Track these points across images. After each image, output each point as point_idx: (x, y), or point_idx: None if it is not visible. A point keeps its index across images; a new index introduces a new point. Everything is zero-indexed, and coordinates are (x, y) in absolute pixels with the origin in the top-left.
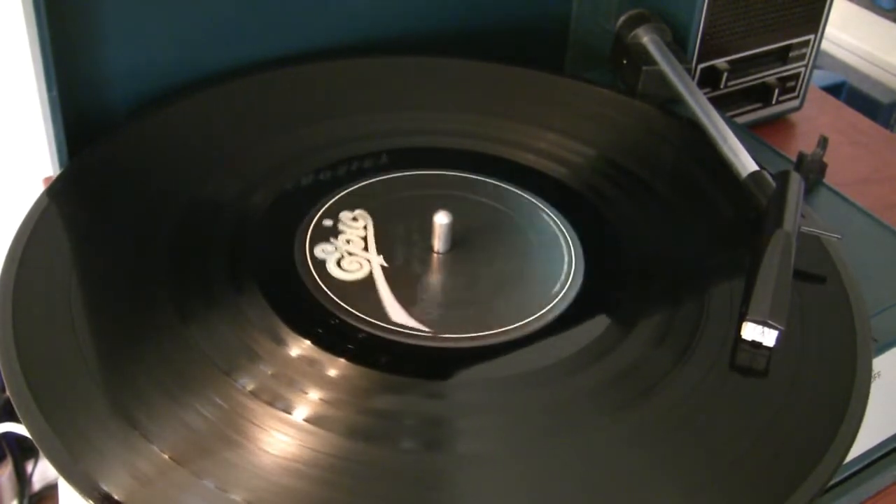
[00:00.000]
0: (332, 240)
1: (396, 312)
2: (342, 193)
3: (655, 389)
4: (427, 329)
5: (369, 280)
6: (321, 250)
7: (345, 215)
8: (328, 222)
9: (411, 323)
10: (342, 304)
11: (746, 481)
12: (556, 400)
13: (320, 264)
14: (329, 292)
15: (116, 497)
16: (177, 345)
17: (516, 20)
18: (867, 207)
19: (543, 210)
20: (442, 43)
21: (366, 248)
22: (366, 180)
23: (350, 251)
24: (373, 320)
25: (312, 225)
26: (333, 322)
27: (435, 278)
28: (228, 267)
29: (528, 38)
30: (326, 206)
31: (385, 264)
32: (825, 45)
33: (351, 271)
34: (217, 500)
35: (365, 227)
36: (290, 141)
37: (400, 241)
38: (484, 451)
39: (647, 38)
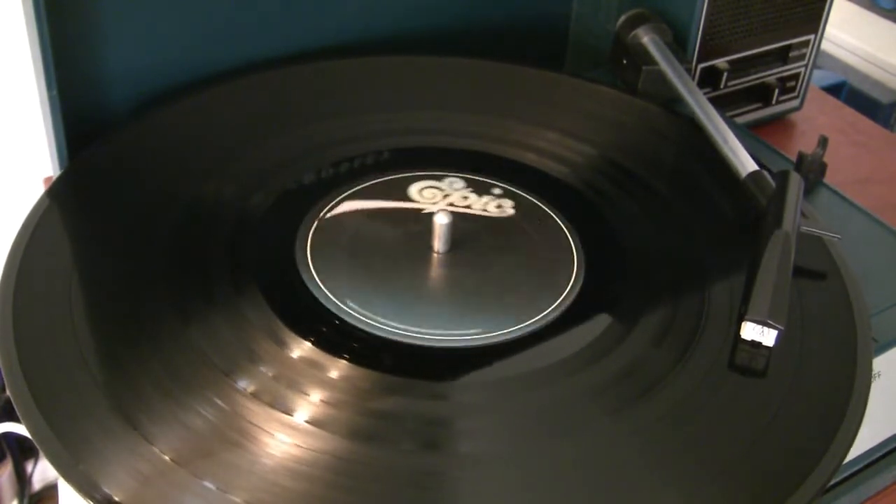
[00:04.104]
0: None
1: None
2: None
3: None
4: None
5: None
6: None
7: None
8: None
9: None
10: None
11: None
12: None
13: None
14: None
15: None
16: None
17: (516, 20)
18: (867, 207)
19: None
20: (442, 42)
21: None
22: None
23: None
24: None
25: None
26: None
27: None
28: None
29: (528, 37)
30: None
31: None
32: (825, 45)
33: None
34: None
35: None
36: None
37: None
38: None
39: (647, 38)
